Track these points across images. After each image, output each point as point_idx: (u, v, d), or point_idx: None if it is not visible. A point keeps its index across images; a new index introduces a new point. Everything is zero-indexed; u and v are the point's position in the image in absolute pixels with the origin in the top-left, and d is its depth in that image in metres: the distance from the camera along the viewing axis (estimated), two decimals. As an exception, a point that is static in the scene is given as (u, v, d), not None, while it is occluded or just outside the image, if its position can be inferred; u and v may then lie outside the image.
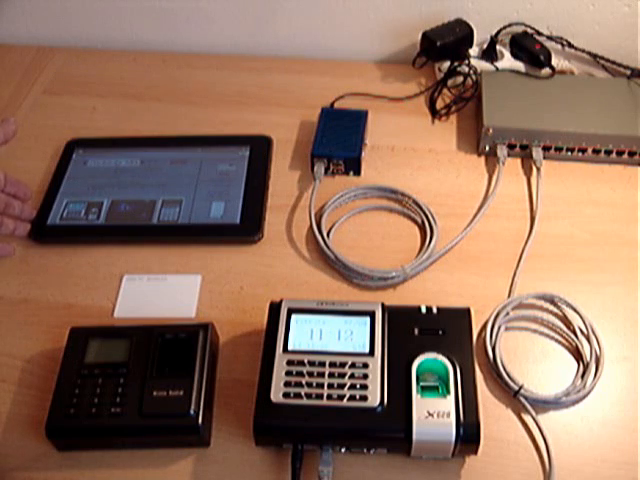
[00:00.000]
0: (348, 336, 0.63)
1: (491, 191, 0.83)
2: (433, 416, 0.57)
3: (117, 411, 0.60)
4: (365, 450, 0.60)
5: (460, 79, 0.95)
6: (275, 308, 0.65)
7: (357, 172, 0.86)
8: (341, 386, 0.59)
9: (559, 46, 0.97)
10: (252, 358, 0.65)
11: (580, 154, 0.86)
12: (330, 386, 0.59)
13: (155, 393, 0.60)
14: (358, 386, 0.59)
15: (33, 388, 0.67)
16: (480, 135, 0.86)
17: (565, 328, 0.70)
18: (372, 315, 0.64)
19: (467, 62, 0.95)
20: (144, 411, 0.60)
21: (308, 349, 0.62)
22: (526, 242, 0.78)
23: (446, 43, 0.94)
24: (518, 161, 0.87)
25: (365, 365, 0.61)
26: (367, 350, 0.62)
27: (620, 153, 0.85)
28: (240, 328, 0.71)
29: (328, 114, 0.90)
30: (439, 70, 0.98)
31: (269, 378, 0.60)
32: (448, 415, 0.57)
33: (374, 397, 0.59)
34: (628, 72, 0.93)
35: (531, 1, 0.96)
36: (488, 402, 0.65)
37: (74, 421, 0.60)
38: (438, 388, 0.60)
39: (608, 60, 0.95)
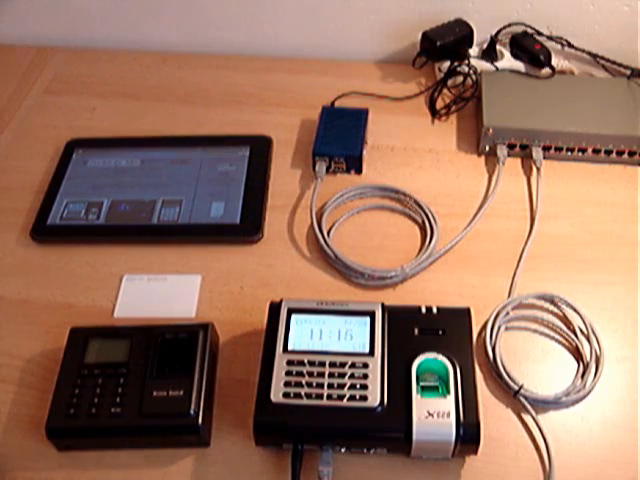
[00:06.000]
0: (348, 336, 0.63)
1: (491, 191, 0.83)
2: (433, 416, 0.57)
3: (117, 411, 0.60)
4: (365, 450, 0.60)
5: (460, 79, 0.95)
6: (275, 308, 0.65)
7: (359, 170, 0.86)
8: (341, 386, 0.59)
9: (559, 46, 0.97)
10: (252, 358, 0.66)
11: (580, 154, 0.86)
12: (330, 386, 0.59)
13: (155, 393, 0.60)
14: (358, 386, 0.59)
15: (33, 388, 0.67)
16: (480, 135, 0.86)
17: (565, 328, 0.70)
18: (372, 315, 0.64)
19: (467, 62, 0.95)
20: (144, 411, 0.60)
21: (308, 349, 0.62)
22: (526, 242, 0.78)
23: (446, 43, 0.94)
24: (518, 161, 0.87)
25: (365, 365, 0.61)
26: (367, 350, 0.62)
27: (620, 153, 0.85)
28: (240, 328, 0.71)
29: (329, 113, 0.90)
30: (439, 70, 0.98)
31: (269, 378, 0.60)
32: (448, 415, 0.57)
33: (374, 397, 0.59)
34: (628, 72, 0.93)
35: (531, 1, 0.96)
36: (488, 402, 0.65)
37: (74, 421, 0.60)
38: (438, 388, 0.59)
39: (608, 60, 0.95)
